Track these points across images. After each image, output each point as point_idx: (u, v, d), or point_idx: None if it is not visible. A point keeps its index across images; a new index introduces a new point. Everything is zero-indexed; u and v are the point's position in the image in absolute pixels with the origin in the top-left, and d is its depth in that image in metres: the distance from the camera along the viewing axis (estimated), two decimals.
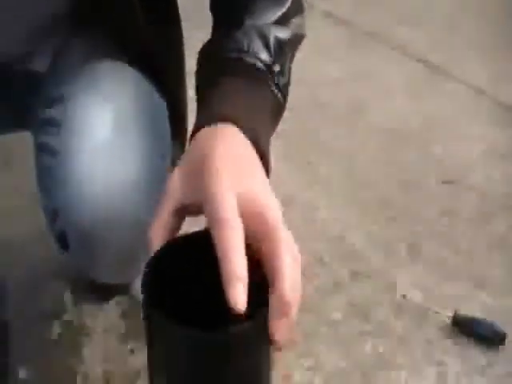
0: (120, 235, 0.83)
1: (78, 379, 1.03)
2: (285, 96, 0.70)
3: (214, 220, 0.50)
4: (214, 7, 0.77)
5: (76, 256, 0.93)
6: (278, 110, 0.69)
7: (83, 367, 1.05)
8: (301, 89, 1.76)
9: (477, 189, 1.45)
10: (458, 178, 1.48)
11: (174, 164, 0.93)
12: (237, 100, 0.62)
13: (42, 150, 0.91)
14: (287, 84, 0.71)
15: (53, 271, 1.22)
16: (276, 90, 0.67)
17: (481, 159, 1.55)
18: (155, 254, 0.53)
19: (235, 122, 0.58)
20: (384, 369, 1.04)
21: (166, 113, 0.89)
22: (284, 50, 0.71)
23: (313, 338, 1.09)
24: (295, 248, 0.54)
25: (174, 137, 0.92)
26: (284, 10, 0.73)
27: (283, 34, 0.72)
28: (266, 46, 0.69)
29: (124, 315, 1.14)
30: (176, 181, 0.57)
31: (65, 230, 0.87)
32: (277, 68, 0.68)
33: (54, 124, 0.87)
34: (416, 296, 1.15)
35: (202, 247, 0.52)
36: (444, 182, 1.46)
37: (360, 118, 1.72)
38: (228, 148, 0.56)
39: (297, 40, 0.76)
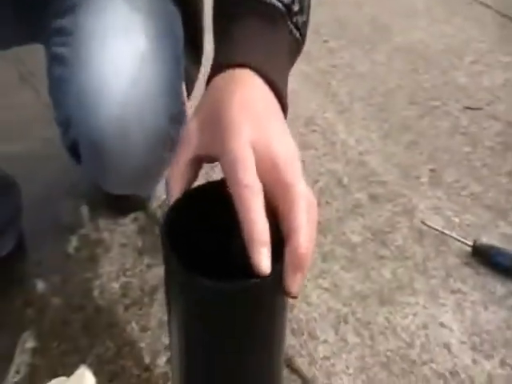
0: (134, 150, 0.79)
1: (95, 293, 1.02)
2: (303, 34, 0.66)
3: (233, 181, 0.49)
4: None
5: (88, 168, 0.89)
6: (295, 49, 0.66)
7: (100, 281, 1.04)
8: (323, 9, 1.71)
9: (500, 117, 1.40)
10: (481, 105, 1.43)
11: (187, 80, 0.89)
12: (254, 43, 0.60)
13: (54, 60, 0.86)
14: (306, 22, 0.67)
15: (68, 187, 1.20)
16: (294, 30, 0.64)
17: (505, 87, 1.50)
18: (173, 204, 0.53)
19: (253, 68, 0.56)
20: (402, 294, 1.02)
21: (179, 19, 0.84)
22: None
23: (331, 260, 1.07)
24: (311, 199, 0.52)
25: (189, 52, 0.88)
26: None
27: None
28: None
29: (141, 231, 1.12)
30: (193, 129, 0.55)
31: (77, 142, 0.84)
32: (296, 7, 0.64)
33: (65, 33, 0.82)
34: (436, 223, 1.13)
35: (219, 196, 0.52)
36: (467, 108, 1.42)
37: (382, 40, 1.66)
38: (245, 94, 0.54)
39: None
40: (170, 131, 0.79)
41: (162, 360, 0.93)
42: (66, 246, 1.10)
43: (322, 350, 0.94)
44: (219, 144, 0.51)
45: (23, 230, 1.08)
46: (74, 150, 0.87)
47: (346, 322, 0.98)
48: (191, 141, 0.55)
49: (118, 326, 0.98)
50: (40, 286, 1.03)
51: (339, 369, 0.92)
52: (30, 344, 0.97)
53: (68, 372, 0.86)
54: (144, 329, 0.97)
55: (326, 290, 1.03)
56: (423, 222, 1.12)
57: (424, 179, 1.24)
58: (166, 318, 0.97)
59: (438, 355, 0.93)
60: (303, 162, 0.65)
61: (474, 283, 1.03)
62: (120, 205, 1.15)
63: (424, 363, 0.92)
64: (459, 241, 1.08)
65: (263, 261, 0.46)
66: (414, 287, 1.03)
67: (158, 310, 0.99)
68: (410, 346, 0.95)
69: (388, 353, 0.94)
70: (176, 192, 0.54)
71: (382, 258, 1.08)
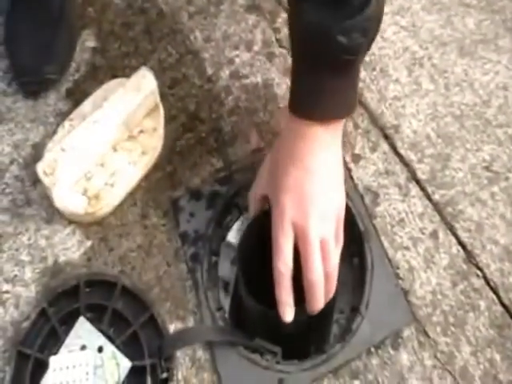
0: None
1: None
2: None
3: (273, 257, 0.63)
4: None
5: None
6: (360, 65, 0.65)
7: None
8: None
9: None
10: None
11: None
12: (324, 95, 0.62)
13: None
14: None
15: None
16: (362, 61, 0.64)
17: None
18: (249, 223, 0.70)
19: (321, 121, 0.62)
20: (484, 49, 0.88)
21: None
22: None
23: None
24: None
25: None
26: None
27: None
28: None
29: None
30: (265, 176, 0.69)
31: None
32: (365, 48, 0.60)
33: None
34: None
35: None
36: None
37: None
38: (298, 174, 0.63)
39: None
40: None
41: (225, 73, 0.83)
42: None
43: (392, 90, 0.83)
44: (272, 215, 0.65)
45: None
46: None
47: (421, 66, 0.86)
48: (261, 187, 0.69)
49: (182, 33, 0.86)
50: None
51: (409, 112, 0.81)
52: (91, 43, 0.87)
53: (128, 74, 0.78)
54: (208, 39, 0.86)
55: (404, 28, 0.89)
56: None
57: None
58: (230, 30, 0.87)
59: None
60: None
61: None
62: None
63: (499, 125, 0.82)
64: None
65: (286, 315, 0.64)
66: (498, 44, 0.89)
67: (223, 22, 0.87)
68: (487, 104, 0.83)
69: (462, 106, 0.83)
70: (254, 212, 0.70)
71: (467, 6, 0.92)
